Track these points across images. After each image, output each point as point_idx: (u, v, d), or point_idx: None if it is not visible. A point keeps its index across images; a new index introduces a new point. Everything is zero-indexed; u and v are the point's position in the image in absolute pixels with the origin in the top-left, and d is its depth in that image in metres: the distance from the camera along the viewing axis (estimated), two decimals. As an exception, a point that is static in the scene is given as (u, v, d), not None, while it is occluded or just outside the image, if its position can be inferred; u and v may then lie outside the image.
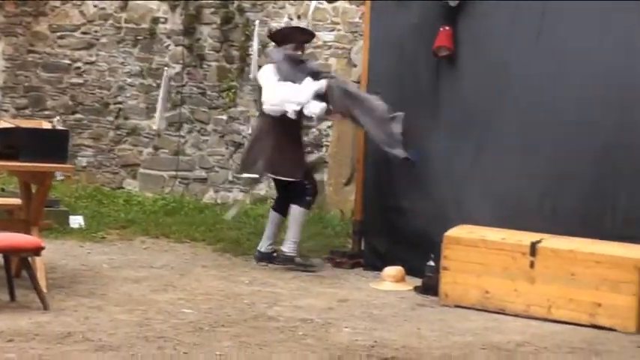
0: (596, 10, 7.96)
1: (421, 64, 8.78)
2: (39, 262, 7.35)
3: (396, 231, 8.81)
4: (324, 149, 10.79)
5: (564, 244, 7.50)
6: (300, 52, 8.92)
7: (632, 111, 7.77)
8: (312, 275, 8.69)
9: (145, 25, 11.81)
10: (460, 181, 8.51)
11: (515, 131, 8.27)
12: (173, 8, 11.63)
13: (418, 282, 8.30)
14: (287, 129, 8.71)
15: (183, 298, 7.66)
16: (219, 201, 11.35)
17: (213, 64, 11.52)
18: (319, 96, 8.62)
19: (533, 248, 7.50)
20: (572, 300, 7.33)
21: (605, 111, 7.86)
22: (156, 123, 10.95)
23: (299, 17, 10.89)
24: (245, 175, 9.31)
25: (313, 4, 10.10)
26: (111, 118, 12.06)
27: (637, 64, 7.77)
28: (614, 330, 7.16)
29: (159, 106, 10.58)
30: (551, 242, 7.54)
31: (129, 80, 11.95)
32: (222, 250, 9.58)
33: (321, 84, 8.63)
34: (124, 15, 11.94)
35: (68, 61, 12.21)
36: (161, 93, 10.52)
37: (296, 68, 8.69)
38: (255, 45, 10.49)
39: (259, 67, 10.58)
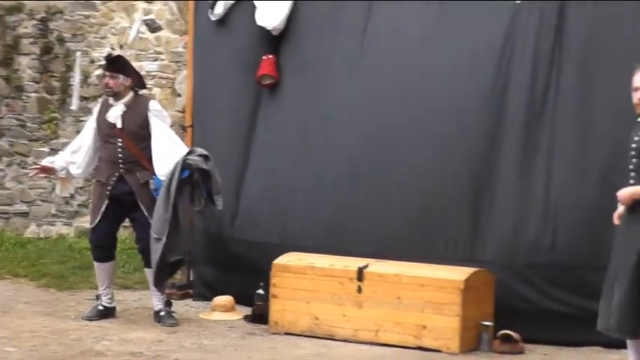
0: (416, 32, 8.18)
1: (245, 92, 8.82)
2: None
3: (225, 260, 8.78)
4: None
5: (390, 268, 7.63)
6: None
7: (452, 136, 7.98)
8: (140, 307, 8.59)
9: (-41, 57, 11.49)
10: (286, 208, 8.56)
11: (340, 157, 8.38)
12: (-11, 39, 11.37)
13: (248, 311, 8.32)
14: None
15: (6, 336, 7.45)
16: (42, 235, 11.11)
17: (33, 95, 11.29)
18: None
19: (360, 273, 7.61)
20: (399, 323, 7.46)
21: (428, 136, 8.05)
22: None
23: (121, 47, 10.78)
24: None
25: (133, 33, 10.00)
26: None
27: (456, 91, 7.99)
28: (439, 351, 7.33)
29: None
30: (378, 267, 7.66)
31: (-56, 113, 11.59)
32: (46, 285, 9.38)
33: None
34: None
35: None
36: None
37: None
38: (76, 76, 10.32)
39: (81, 97, 10.45)
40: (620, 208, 6.34)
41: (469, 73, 7.97)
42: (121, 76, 8.08)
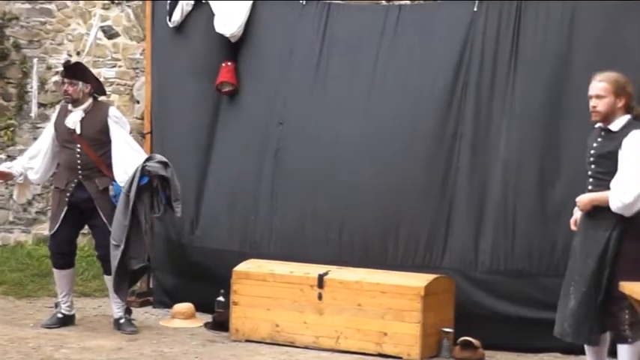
0: (375, 38, 8.21)
1: (204, 98, 8.81)
2: None
3: (185, 267, 8.77)
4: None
5: (351, 275, 7.66)
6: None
7: (410, 143, 8.03)
8: (100, 315, 8.56)
9: None
10: (246, 215, 8.57)
11: (299, 165, 8.40)
12: (-55, 45, 11.25)
13: (209, 318, 8.31)
14: None
15: (-35, 344, 7.41)
16: (-1, 243, 11.04)
17: (-11, 102, 11.21)
18: None
19: (321, 280, 7.63)
20: (360, 330, 7.49)
21: (386, 143, 8.08)
22: None
23: (78, 53, 10.75)
24: None
25: (91, 39, 9.96)
26: None
27: (414, 97, 8.03)
28: (400, 358, 7.37)
29: None
30: (338, 274, 7.69)
31: None
32: (4, 293, 9.29)
33: None
34: None
35: None
36: None
37: None
38: (34, 82, 10.27)
39: (39, 104, 10.39)
40: (577, 214, 6.42)
41: (428, 80, 8.01)
42: (80, 83, 8.05)
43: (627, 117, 6.20)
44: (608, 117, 6.21)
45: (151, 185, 7.92)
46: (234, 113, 8.75)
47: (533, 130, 7.71)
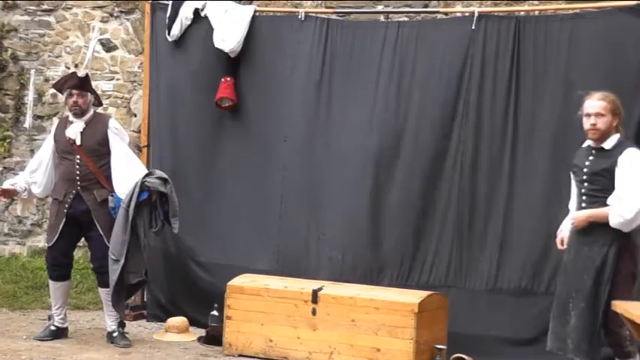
0: (375, 55, 8.21)
1: (202, 113, 8.81)
2: None
3: (179, 281, 8.77)
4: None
5: (345, 290, 7.64)
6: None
7: (413, 160, 8.05)
8: (93, 328, 8.54)
9: None
10: (243, 230, 8.56)
11: (298, 181, 8.40)
12: (-56, 56, 11.26)
13: (202, 332, 8.29)
14: None
15: (-42, 356, 7.39)
16: (-6, 254, 11.02)
17: (-14, 113, 11.21)
18: None
19: (315, 295, 7.61)
20: (353, 346, 7.46)
21: (389, 160, 8.09)
22: None
23: (76, 66, 10.75)
24: None
25: (90, 53, 9.95)
26: None
27: (416, 114, 8.06)
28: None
29: None
30: (332, 289, 7.67)
31: None
32: (-3, 304, 9.31)
33: None
34: None
35: None
36: None
37: None
38: (30, 94, 10.27)
39: (35, 116, 10.39)
40: (564, 233, 6.44)
41: (430, 97, 8.01)
42: (88, 94, 8.09)
43: (617, 135, 6.30)
44: (604, 135, 6.25)
45: (150, 200, 7.91)
46: (235, 129, 8.74)
47: (535, 148, 7.73)
